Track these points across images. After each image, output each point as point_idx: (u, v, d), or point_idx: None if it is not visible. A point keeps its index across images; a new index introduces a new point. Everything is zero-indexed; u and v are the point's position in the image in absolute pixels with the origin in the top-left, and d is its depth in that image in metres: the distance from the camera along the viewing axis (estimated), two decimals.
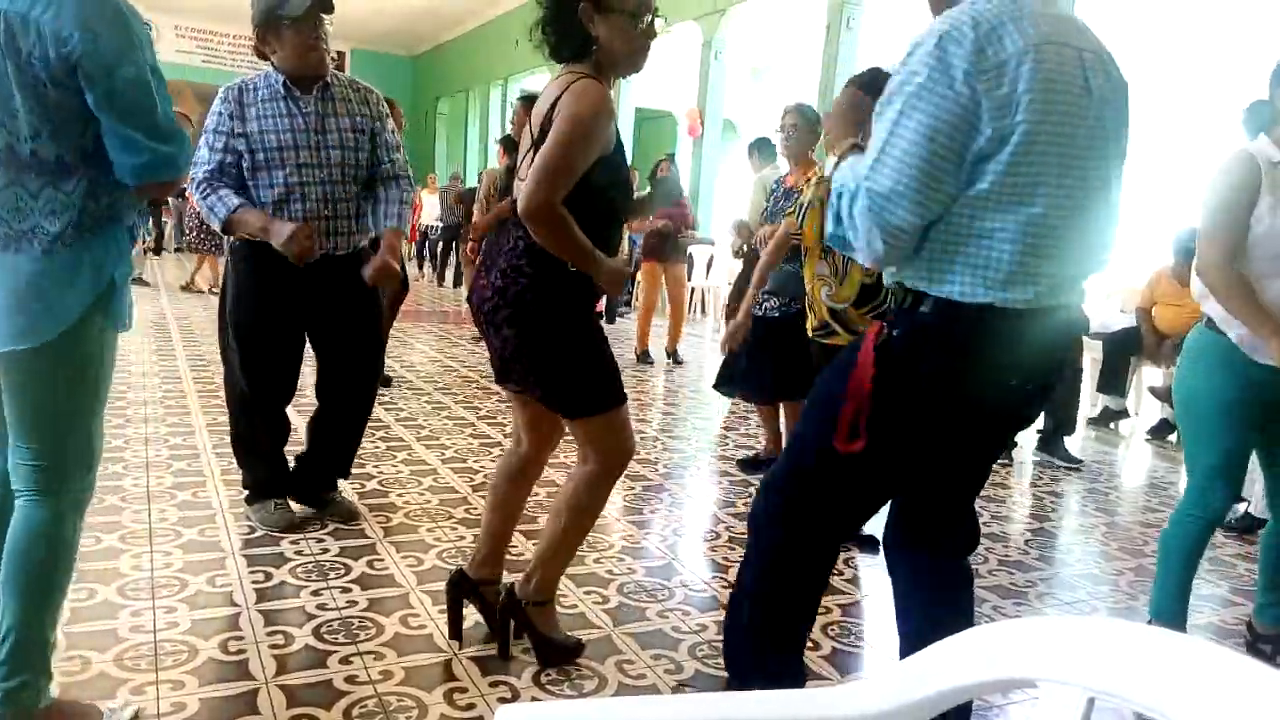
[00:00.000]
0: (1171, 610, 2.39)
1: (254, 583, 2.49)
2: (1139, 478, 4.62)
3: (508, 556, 2.72)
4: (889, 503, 1.78)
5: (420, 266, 13.51)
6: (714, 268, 9.82)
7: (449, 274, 11.73)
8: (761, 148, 6.08)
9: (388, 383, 5.20)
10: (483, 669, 2.10)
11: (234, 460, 3.04)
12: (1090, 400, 5.64)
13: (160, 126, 1.58)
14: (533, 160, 1.90)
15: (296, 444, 3.12)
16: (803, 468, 1.66)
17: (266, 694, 1.94)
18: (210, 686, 1.95)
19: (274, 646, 2.14)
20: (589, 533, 2.19)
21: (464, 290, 10.28)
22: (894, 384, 1.50)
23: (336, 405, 3.01)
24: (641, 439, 4.42)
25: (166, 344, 6.24)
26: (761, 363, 3.76)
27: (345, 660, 2.10)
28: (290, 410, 3.02)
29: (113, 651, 2.07)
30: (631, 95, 11.96)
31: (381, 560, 2.70)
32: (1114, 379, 5.41)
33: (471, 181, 12.66)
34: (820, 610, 2.54)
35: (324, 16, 2.65)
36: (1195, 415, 2.33)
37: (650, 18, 1.92)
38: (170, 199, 11.39)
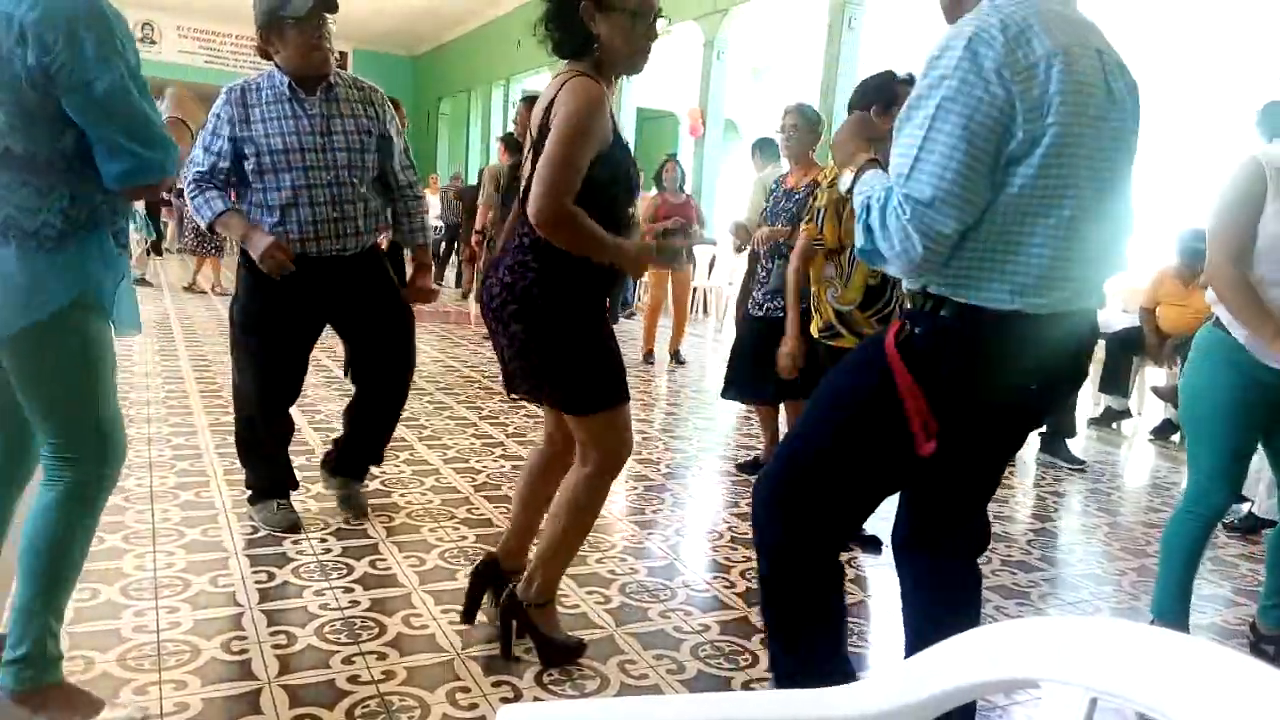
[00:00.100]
0: (1173, 609, 2.39)
1: (257, 583, 2.49)
2: (1141, 478, 4.62)
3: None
4: (901, 502, 1.77)
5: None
6: (715, 268, 9.82)
7: (449, 274, 11.74)
8: (763, 147, 6.07)
9: None
10: (485, 669, 2.11)
11: (236, 460, 3.04)
12: (1092, 400, 5.64)
13: (141, 131, 1.58)
14: (534, 161, 1.91)
15: (298, 444, 3.12)
16: (802, 466, 1.64)
17: (269, 694, 1.94)
18: (213, 686, 1.96)
19: (277, 646, 2.14)
20: (589, 533, 2.19)
21: (464, 290, 10.30)
22: (920, 380, 1.49)
23: (372, 393, 3.05)
24: (644, 439, 4.42)
25: (169, 344, 6.25)
26: (763, 363, 3.76)
27: (348, 660, 2.10)
28: (293, 410, 3.02)
29: (115, 651, 2.07)
30: (633, 95, 11.96)
31: (384, 560, 2.70)
32: (1116, 379, 5.40)
33: (473, 181, 12.65)
34: None
35: (327, 16, 2.65)
36: (1200, 413, 2.33)
37: (652, 18, 1.92)
38: (173, 200, 11.42)
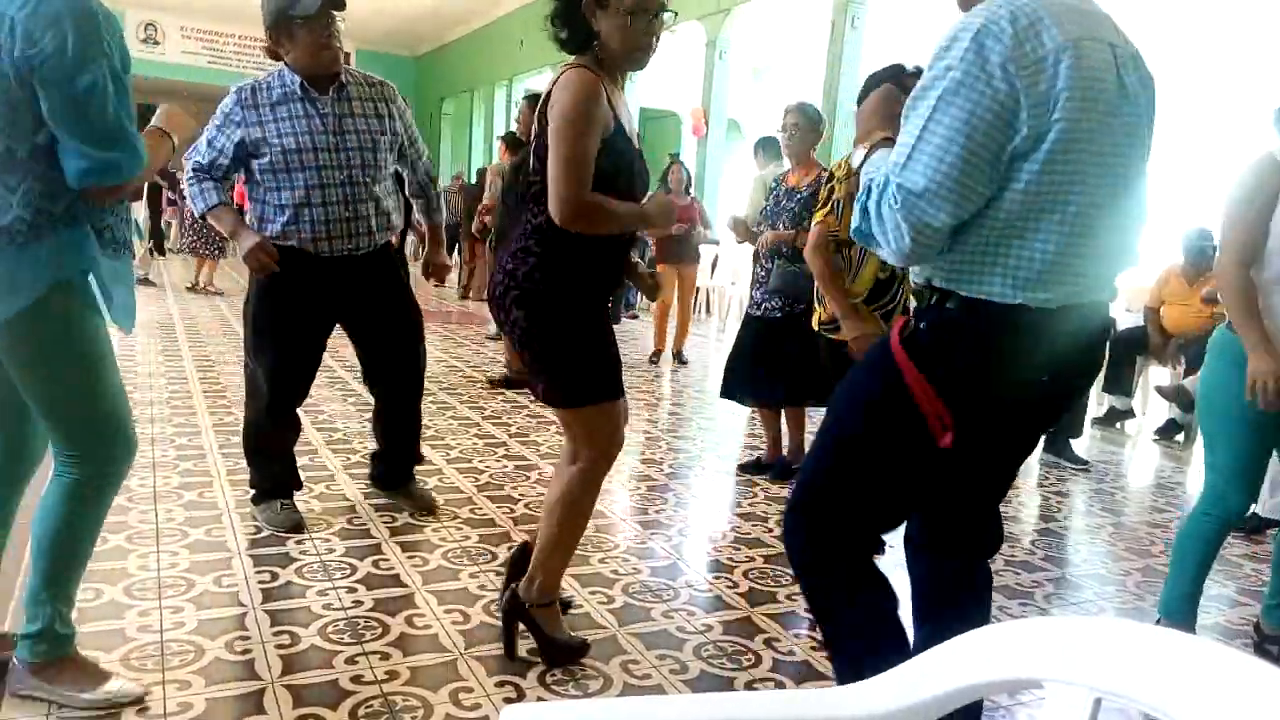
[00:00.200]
0: (1181, 610, 2.38)
1: (260, 583, 2.50)
2: (1146, 478, 4.61)
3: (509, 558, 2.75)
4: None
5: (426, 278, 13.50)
6: (719, 268, 9.82)
7: (451, 274, 11.74)
8: (766, 147, 6.08)
9: None
10: (488, 669, 2.11)
11: (240, 460, 3.05)
12: (1096, 400, 5.62)
13: (107, 132, 1.58)
14: (538, 154, 1.95)
15: (302, 444, 3.12)
16: (824, 477, 1.62)
17: (272, 694, 1.94)
18: (216, 686, 1.96)
19: (280, 646, 2.15)
20: (584, 530, 2.19)
21: (462, 290, 10.31)
22: (927, 377, 1.48)
23: (389, 397, 3.09)
24: (647, 439, 4.42)
25: (173, 344, 6.26)
26: (764, 365, 3.75)
27: (351, 660, 2.10)
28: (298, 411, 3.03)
29: (119, 651, 2.07)
30: (636, 95, 11.95)
31: (387, 560, 2.71)
32: (1120, 379, 5.38)
33: (472, 180, 12.65)
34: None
35: (335, 14, 2.65)
36: (1214, 415, 2.33)
37: (651, 15, 1.92)
38: (176, 199, 11.44)
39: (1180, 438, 5.28)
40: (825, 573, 1.64)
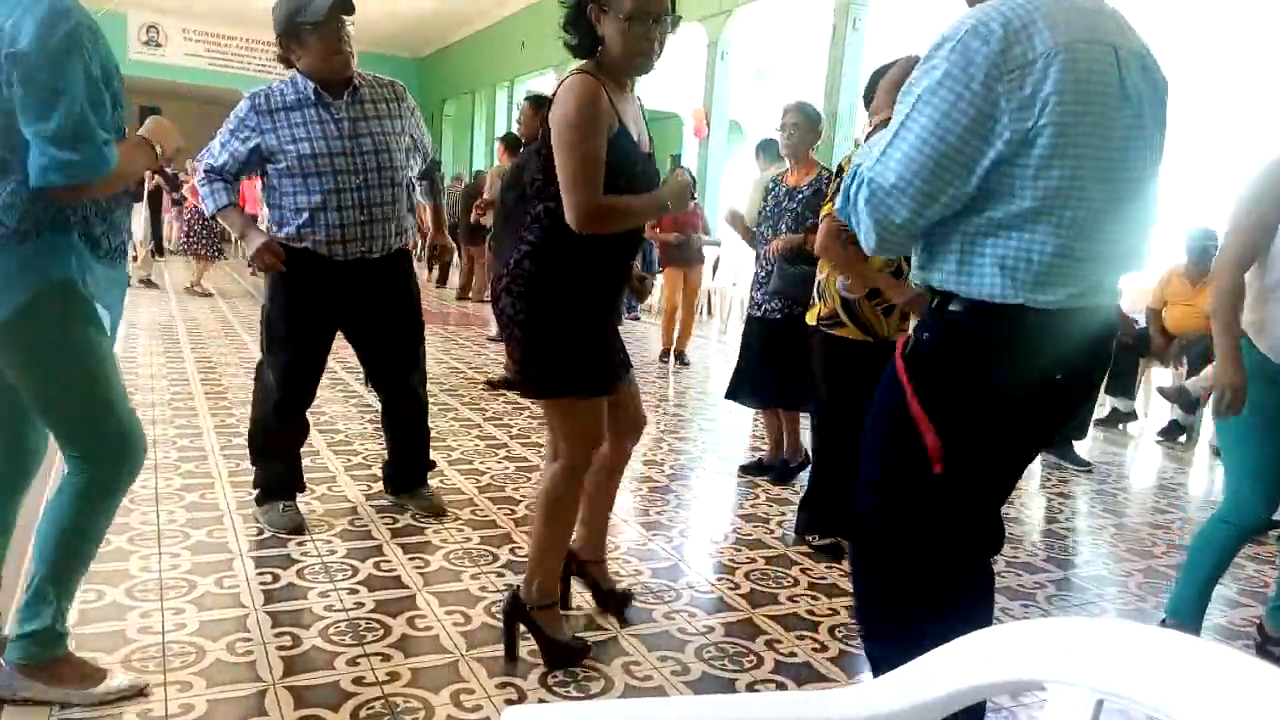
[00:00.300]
0: (1188, 612, 2.39)
1: (261, 584, 2.50)
2: (1148, 479, 4.60)
3: (512, 559, 2.75)
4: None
5: (429, 269, 13.53)
6: (720, 269, 9.82)
7: (453, 275, 11.74)
8: (767, 148, 6.06)
9: None
10: (489, 670, 2.11)
11: (242, 462, 3.05)
12: (1098, 402, 5.61)
13: (67, 131, 1.57)
14: (541, 155, 1.99)
15: (305, 446, 3.12)
16: (873, 521, 1.61)
17: (274, 695, 1.94)
18: (218, 688, 1.96)
19: (281, 648, 2.15)
20: (571, 529, 2.19)
21: (460, 291, 10.32)
22: (930, 389, 1.48)
23: (390, 401, 3.11)
24: (649, 440, 4.41)
25: (174, 346, 6.27)
26: (764, 367, 3.75)
27: (352, 661, 2.10)
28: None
29: (121, 653, 2.07)
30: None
31: (388, 562, 2.70)
32: (1122, 380, 5.36)
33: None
34: (826, 612, 2.55)
35: (345, 18, 2.66)
36: (1231, 424, 2.32)
37: (651, 20, 1.93)
38: (174, 196, 11.44)
39: (1183, 439, 5.27)
40: (905, 612, 1.59)
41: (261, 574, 2.56)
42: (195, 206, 9.61)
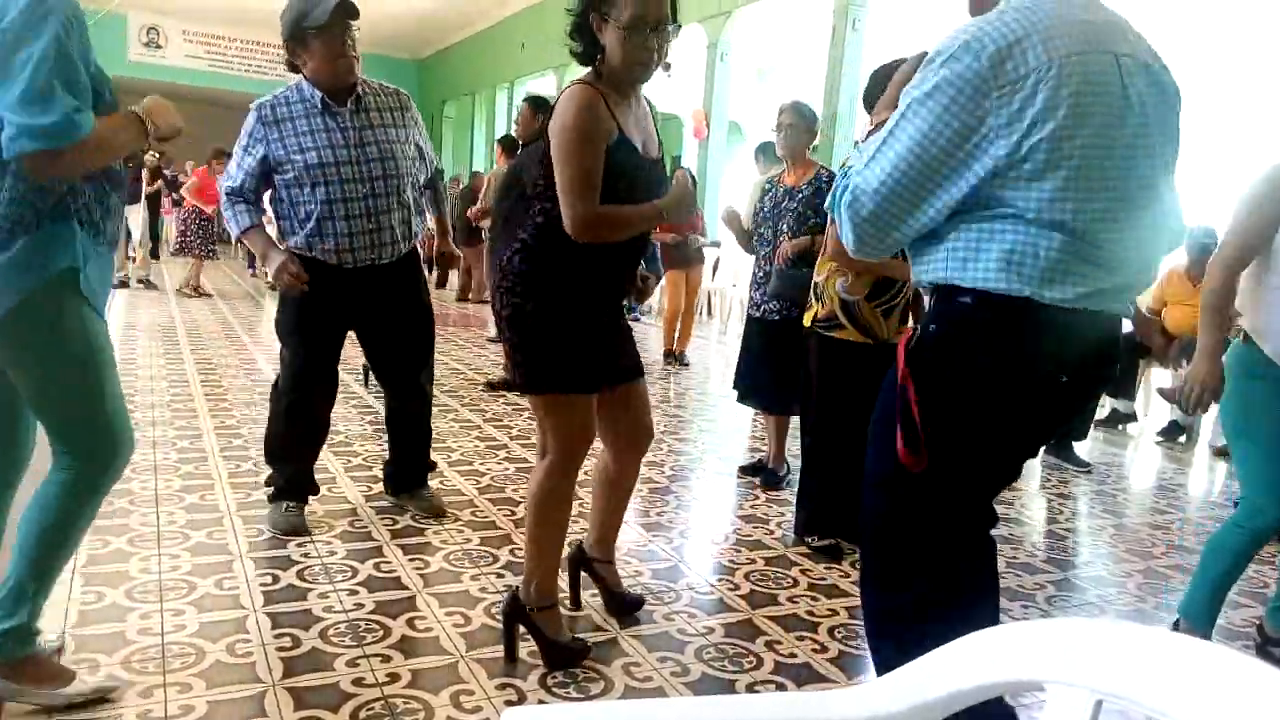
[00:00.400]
0: (1199, 613, 2.40)
1: (261, 585, 2.50)
2: (1148, 480, 4.60)
3: (511, 560, 2.75)
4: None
5: (430, 270, 13.55)
6: (719, 270, 9.83)
7: (452, 276, 11.74)
8: (766, 151, 6.06)
9: None
10: (489, 671, 2.11)
11: (241, 463, 3.05)
12: (1098, 402, 5.61)
13: (31, 95, 1.54)
14: (542, 161, 2.01)
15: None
16: (879, 511, 1.62)
17: (274, 696, 1.94)
18: (218, 689, 1.96)
19: (281, 649, 2.15)
20: (564, 528, 2.19)
21: (459, 293, 10.32)
22: (933, 381, 1.48)
23: (395, 402, 3.12)
24: None
25: (174, 348, 6.27)
26: (765, 370, 3.74)
27: (352, 663, 2.10)
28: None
29: (121, 654, 2.07)
30: None
31: (388, 563, 2.70)
32: (1122, 382, 5.35)
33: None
34: (825, 613, 2.55)
35: (350, 23, 2.67)
36: (1241, 431, 2.33)
37: (649, 29, 1.94)
38: (173, 195, 11.44)
39: (1183, 439, 5.27)
40: (920, 610, 1.58)
41: (261, 575, 2.56)
42: (192, 206, 9.62)
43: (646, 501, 3.48)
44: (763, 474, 3.85)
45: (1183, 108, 1.50)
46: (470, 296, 9.99)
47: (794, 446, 4.00)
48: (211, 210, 9.67)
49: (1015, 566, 3.04)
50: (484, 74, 16.07)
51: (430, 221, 3.26)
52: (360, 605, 2.41)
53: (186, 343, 6.50)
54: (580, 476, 2.23)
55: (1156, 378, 5.63)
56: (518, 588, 2.18)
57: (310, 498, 3.04)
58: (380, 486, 3.34)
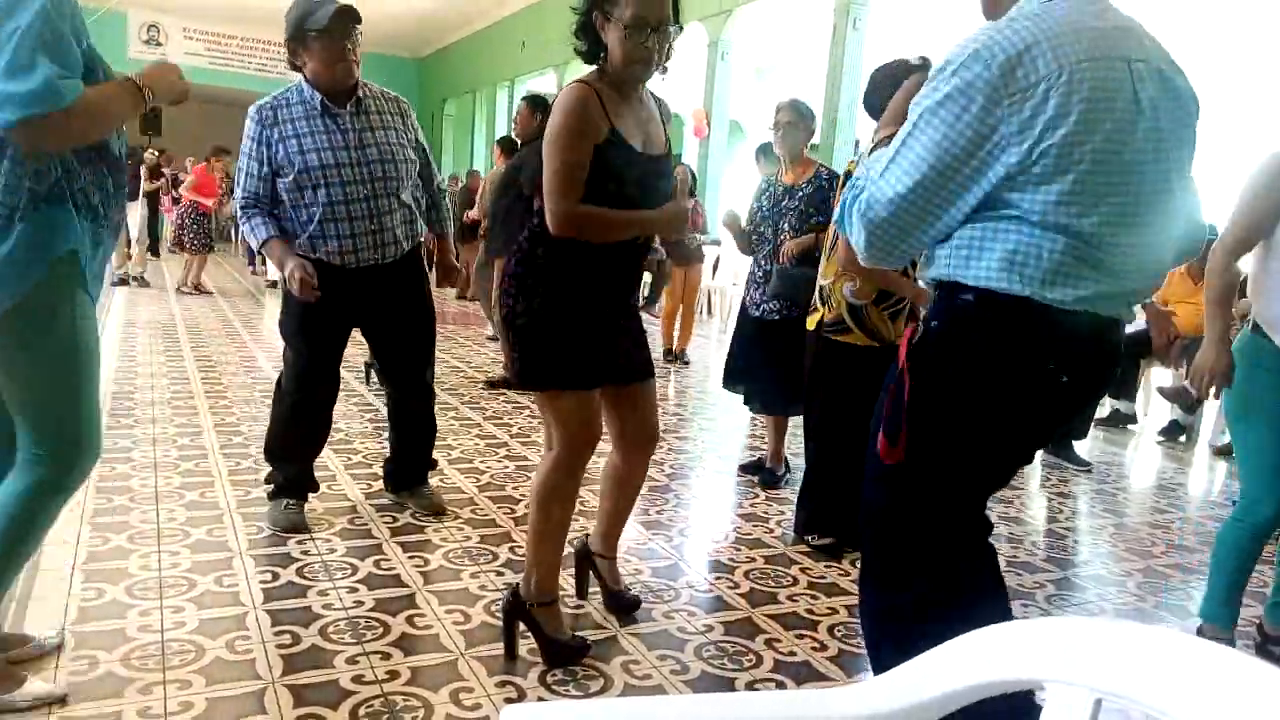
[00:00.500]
0: (1218, 614, 2.40)
1: (261, 583, 2.50)
2: (1148, 479, 4.60)
3: (511, 557, 2.75)
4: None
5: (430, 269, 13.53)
6: (720, 269, 9.82)
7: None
8: (767, 152, 6.05)
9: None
10: (489, 669, 2.11)
11: (242, 460, 3.05)
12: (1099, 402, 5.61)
13: (11, 65, 1.52)
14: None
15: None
16: (879, 508, 1.62)
17: (273, 693, 1.94)
18: (217, 686, 1.96)
19: (281, 646, 2.15)
20: (566, 524, 2.19)
21: (458, 291, 10.31)
22: (934, 378, 1.48)
23: (398, 398, 3.13)
24: None
25: (174, 345, 6.27)
26: (766, 370, 3.73)
27: (352, 660, 2.10)
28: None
29: (120, 651, 2.07)
30: None
31: (388, 560, 2.71)
32: (1123, 382, 5.34)
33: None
34: (825, 611, 2.55)
35: (354, 27, 2.67)
36: (1245, 422, 2.33)
37: (650, 29, 1.94)
38: (173, 193, 11.45)
39: (1183, 439, 5.27)
40: (919, 610, 1.59)
41: (261, 572, 2.56)
42: (189, 202, 9.61)
43: (646, 500, 3.48)
44: (761, 473, 3.85)
45: (1199, 112, 1.49)
46: (469, 295, 9.99)
47: (793, 445, 4.01)
48: (210, 204, 9.67)
49: (1015, 565, 3.04)
50: (484, 73, 16.06)
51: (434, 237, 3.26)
52: (360, 603, 2.41)
53: (187, 340, 6.50)
54: (585, 477, 2.23)
55: (1157, 377, 5.63)
56: (518, 584, 2.18)
57: (310, 495, 3.05)
58: (380, 484, 3.34)
